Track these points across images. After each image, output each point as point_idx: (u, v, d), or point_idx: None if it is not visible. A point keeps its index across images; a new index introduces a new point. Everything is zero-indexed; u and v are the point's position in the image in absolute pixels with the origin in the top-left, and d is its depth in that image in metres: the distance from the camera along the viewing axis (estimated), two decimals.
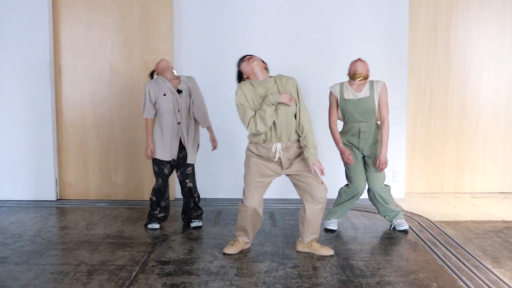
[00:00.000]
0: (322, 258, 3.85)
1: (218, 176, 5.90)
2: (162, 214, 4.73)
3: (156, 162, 4.63)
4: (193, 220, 4.77)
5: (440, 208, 5.52)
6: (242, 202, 3.93)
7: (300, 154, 3.86)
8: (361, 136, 4.46)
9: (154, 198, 4.69)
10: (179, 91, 4.57)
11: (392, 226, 4.65)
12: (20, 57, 5.69)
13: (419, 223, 4.85)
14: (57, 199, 5.86)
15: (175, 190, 5.87)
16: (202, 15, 5.82)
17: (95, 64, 5.78)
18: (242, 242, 4.00)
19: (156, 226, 4.68)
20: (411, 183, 6.27)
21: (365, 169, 4.55)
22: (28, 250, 4.01)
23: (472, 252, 3.99)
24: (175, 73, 4.67)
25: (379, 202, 4.59)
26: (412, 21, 6.00)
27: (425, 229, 4.64)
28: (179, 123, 4.56)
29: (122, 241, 4.26)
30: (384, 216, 4.65)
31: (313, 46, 5.79)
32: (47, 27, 5.64)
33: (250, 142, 3.89)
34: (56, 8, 5.72)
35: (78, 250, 4.02)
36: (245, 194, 3.89)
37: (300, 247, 4.00)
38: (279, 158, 3.80)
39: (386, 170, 5.72)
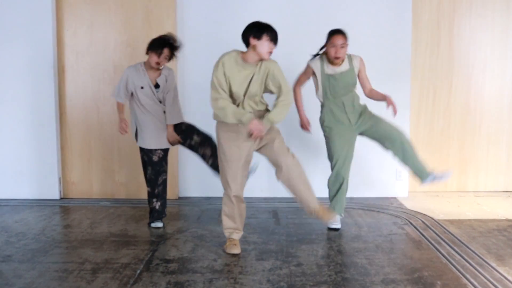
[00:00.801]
0: (326, 256, 3.85)
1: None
2: (159, 203, 4.67)
3: (145, 151, 4.62)
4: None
5: (444, 206, 5.51)
6: (224, 193, 3.96)
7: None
8: (346, 109, 4.48)
9: (149, 189, 4.68)
10: (157, 86, 4.57)
11: (433, 178, 4.52)
12: (23, 56, 5.70)
13: (422, 221, 4.85)
14: (61, 198, 5.87)
15: (178, 187, 5.87)
16: (206, 14, 5.82)
17: (99, 63, 5.79)
18: (237, 238, 4.01)
19: (159, 224, 4.68)
20: (414, 182, 6.24)
21: (374, 132, 4.50)
22: (32, 248, 4.02)
23: (476, 250, 3.98)
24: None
25: (407, 151, 4.45)
26: (415, 20, 5.99)
27: (429, 227, 4.64)
28: (164, 112, 4.58)
29: (126, 239, 4.27)
30: (419, 175, 4.53)
31: (315, 44, 5.76)
32: (50, 26, 5.65)
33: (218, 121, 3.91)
34: (59, 7, 5.73)
35: (82, 248, 4.02)
36: (227, 182, 3.90)
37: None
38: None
39: (389, 168, 5.75)
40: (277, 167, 3.93)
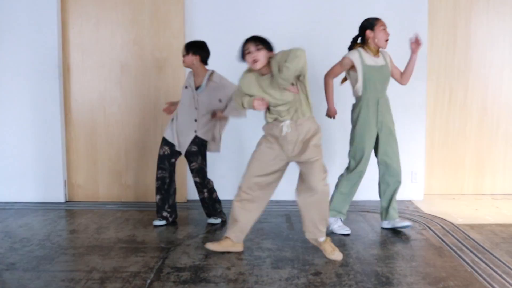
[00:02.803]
0: (345, 264, 3.66)
1: (229, 177, 5.72)
2: (158, 197, 4.70)
3: (161, 143, 4.70)
4: (210, 217, 4.80)
5: (462, 210, 5.33)
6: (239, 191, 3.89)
7: (311, 139, 3.70)
8: (379, 108, 4.33)
9: (156, 184, 4.72)
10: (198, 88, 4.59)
11: (392, 225, 4.52)
12: (27, 55, 5.53)
13: (442, 226, 4.67)
14: (66, 201, 5.70)
15: (187, 190, 5.71)
16: (215, 12, 5.65)
17: (105, 62, 5.62)
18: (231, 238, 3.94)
19: (159, 222, 4.68)
20: (430, 184, 6.07)
21: (382, 149, 4.41)
22: (37, 255, 3.85)
23: (501, 257, 3.80)
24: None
25: (395, 191, 4.47)
26: (431, 18, 5.81)
27: (449, 233, 4.46)
28: (195, 120, 4.54)
29: (134, 245, 4.09)
30: (386, 210, 4.51)
31: (328, 41, 5.60)
32: (55, 24, 5.49)
33: (266, 123, 3.84)
34: (64, 5, 5.57)
35: (89, 255, 3.85)
36: (243, 177, 3.87)
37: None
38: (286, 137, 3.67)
39: (403, 170, 5.57)
40: (305, 186, 3.76)
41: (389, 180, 4.48)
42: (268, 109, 3.72)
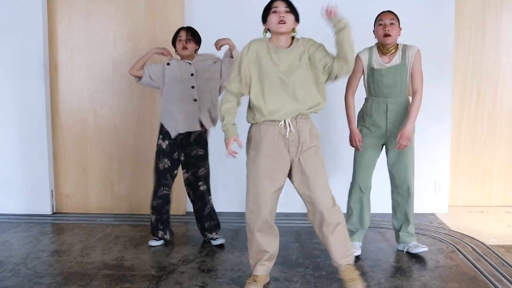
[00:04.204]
0: None
1: (233, 187, 5.19)
2: (156, 217, 4.18)
3: (156, 156, 4.13)
4: (214, 236, 4.19)
5: (492, 227, 4.76)
6: (248, 213, 3.18)
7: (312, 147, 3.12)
8: (388, 114, 3.74)
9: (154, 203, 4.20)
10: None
11: (406, 250, 3.97)
12: (10, 52, 5.00)
13: (473, 248, 4.10)
14: (53, 213, 5.19)
15: (186, 201, 5.18)
16: (217, 4, 5.10)
17: (96, 60, 5.09)
18: (264, 273, 3.26)
19: (156, 243, 4.16)
20: (455, 195, 5.50)
21: (394, 160, 3.86)
22: (7, 285, 3.32)
23: None
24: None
25: (402, 200, 3.90)
26: (458, 11, 5.22)
27: (482, 257, 3.89)
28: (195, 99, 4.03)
29: (121, 272, 3.55)
30: (397, 234, 4.01)
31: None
32: (40, 17, 4.95)
33: (252, 123, 3.18)
34: None
35: (67, 286, 3.32)
36: (253, 200, 3.13)
37: None
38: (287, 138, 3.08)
39: (426, 180, 5.03)
40: (312, 209, 3.17)
41: (396, 196, 3.96)
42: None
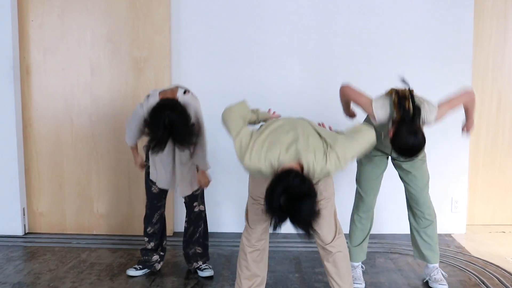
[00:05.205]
0: None
1: (226, 204, 4.68)
2: (151, 244, 3.70)
3: (146, 179, 3.66)
4: (201, 266, 3.68)
5: None
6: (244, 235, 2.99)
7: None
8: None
9: (143, 224, 3.68)
10: None
11: (427, 279, 3.51)
12: None
13: (499, 280, 3.57)
14: (25, 233, 4.66)
15: (173, 221, 4.66)
16: (207, 2, 4.58)
17: (72, 63, 4.57)
18: None
19: (134, 273, 3.66)
20: (473, 213, 4.97)
21: (402, 172, 3.42)
22: None
23: None
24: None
25: (421, 221, 3.49)
26: (476, 9, 4.69)
27: None
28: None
29: None
30: (424, 257, 3.51)
31: (353, 35, 4.51)
32: (9, 15, 4.43)
33: None
34: None
35: None
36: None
37: None
38: None
39: (442, 197, 4.54)
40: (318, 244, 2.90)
41: (412, 219, 3.56)
42: None
